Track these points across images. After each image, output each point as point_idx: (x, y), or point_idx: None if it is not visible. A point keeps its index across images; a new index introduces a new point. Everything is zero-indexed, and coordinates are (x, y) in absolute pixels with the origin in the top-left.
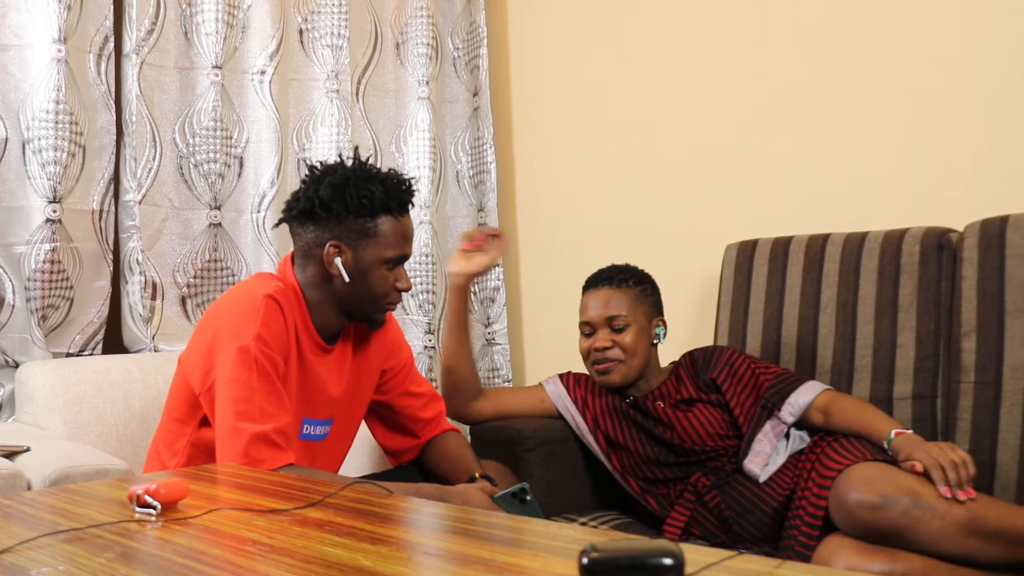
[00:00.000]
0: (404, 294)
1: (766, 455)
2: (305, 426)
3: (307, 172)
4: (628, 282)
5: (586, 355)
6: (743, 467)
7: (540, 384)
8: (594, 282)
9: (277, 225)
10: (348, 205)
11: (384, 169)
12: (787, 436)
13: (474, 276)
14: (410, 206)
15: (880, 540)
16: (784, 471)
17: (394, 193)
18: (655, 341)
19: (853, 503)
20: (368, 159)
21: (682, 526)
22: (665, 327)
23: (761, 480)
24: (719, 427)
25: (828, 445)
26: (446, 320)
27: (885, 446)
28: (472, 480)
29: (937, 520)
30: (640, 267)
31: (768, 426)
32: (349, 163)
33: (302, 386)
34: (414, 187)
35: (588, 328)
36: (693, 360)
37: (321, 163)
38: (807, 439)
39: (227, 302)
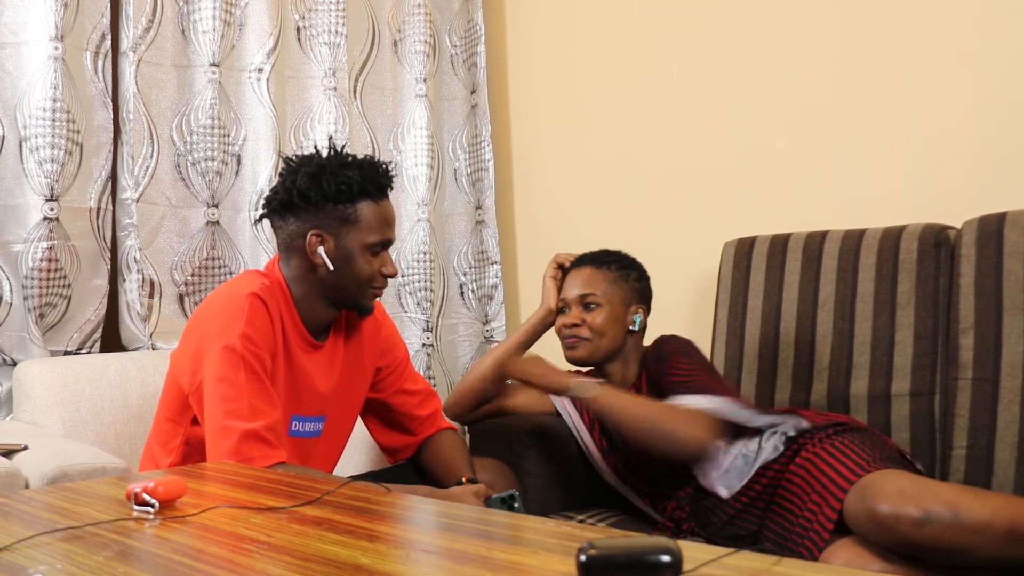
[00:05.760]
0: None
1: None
2: (294, 423)
3: (283, 165)
4: (610, 265)
5: (558, 332)
6: (704, 486)
7: None
8: (577, 262)
9: (259, 220)
10: (326, 192)
11: (361, 156)
12: (759, 447)
13: None
14: (389, 190)
15: (916, 553)
16: (759, 483)
17: (371, 177)
18: (631, 328)
19: (889, 516)
20: (343, 147)
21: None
22: (645, 315)
23: (726, 496)
24: None
25: (822, 448)
26: (522, 336)
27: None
28: (459, 484)
29: (979, 534)
30: (636, 258)
31: None
32: (324, 152)
33: (290, 382)
34: (391, 171)
35: (564, 306)
36: (651, 355)
37: (296, 155)
38: (780, 448)
39: (213, 302)
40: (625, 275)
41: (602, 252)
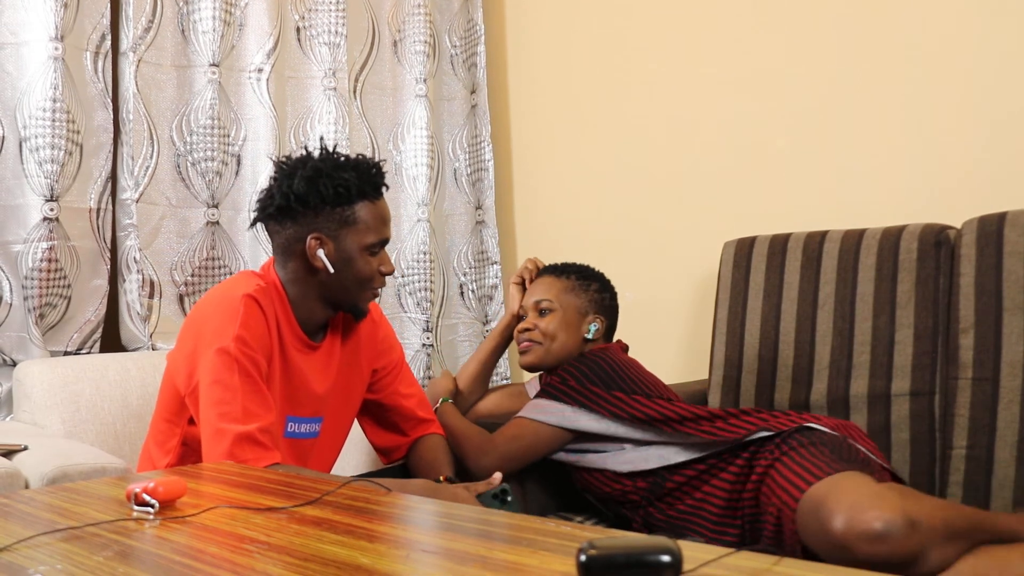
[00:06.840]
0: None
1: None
2: (289, 424)
3: (276, 169)
4: (570, 275)
5: (515, 338)
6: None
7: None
8: (539, 272)
9: (252, 225)
10: (324, 196)
11: (353, 155)
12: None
13: None
14: (384, 188)
15: (873, 568)
16: (720, 492)
17: (367, 177)
18: (586, 335)
19: (844, 534)
20: (335, 147)
21: None
22: (603, 325)
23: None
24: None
25: (777, 459)
26: (490, 342)
27: None
28: (436, 482)
29: (924, 536)
30: (603, 269)
31: None
32: (316, 154)
33: (285, 384)
34: (384, 169)
35: (523, 313)
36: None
37: (288, 157)
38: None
39: (208, 303)
40: (584, 285)
41: (565, 264)
